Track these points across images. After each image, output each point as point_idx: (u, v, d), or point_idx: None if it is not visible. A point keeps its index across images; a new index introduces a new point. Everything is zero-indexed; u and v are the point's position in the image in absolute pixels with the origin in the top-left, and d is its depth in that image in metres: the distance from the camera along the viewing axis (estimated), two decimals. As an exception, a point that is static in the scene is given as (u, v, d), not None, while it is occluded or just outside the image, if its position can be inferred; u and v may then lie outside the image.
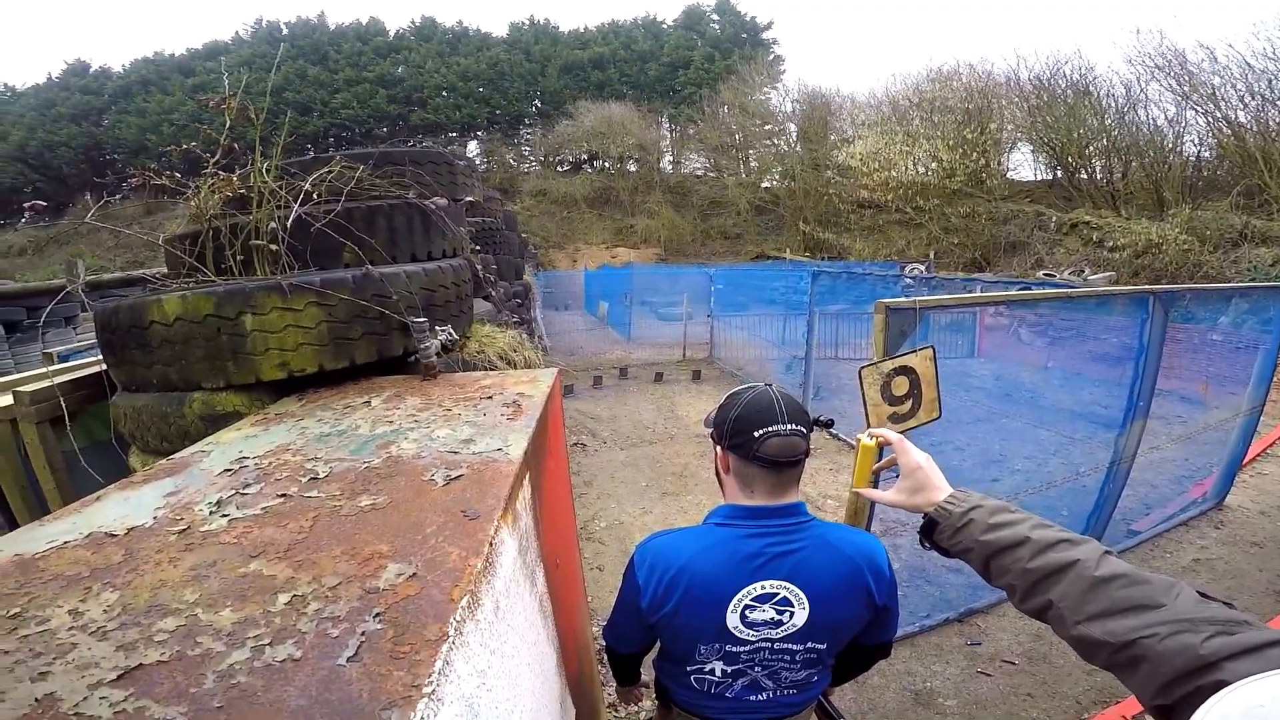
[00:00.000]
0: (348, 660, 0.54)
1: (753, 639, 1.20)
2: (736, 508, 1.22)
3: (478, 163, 28.79)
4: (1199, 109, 14.46)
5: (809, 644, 1.22)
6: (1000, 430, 5.98)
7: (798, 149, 24.38)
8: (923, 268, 11.08)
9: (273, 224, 1.66)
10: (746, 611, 1.18)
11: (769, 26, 32.50)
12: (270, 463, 1.03)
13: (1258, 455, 5.39)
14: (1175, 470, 4.64)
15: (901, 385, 2.16)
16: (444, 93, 29.28)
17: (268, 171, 1.79)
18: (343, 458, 1.01)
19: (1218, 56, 13.75)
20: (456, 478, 0.88)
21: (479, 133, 30.92)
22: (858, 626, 1.26)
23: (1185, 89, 14.48)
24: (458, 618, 0.58)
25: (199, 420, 1.45)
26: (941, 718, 2.50)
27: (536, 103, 30.84)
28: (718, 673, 1.27)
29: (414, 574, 0.66)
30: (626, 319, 11.18)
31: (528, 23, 32.05)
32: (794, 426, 1.16)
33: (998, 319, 9.85)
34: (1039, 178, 20.63)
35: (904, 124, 19.50)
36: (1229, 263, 10.00)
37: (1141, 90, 15.64)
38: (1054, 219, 15.09)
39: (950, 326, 8.36)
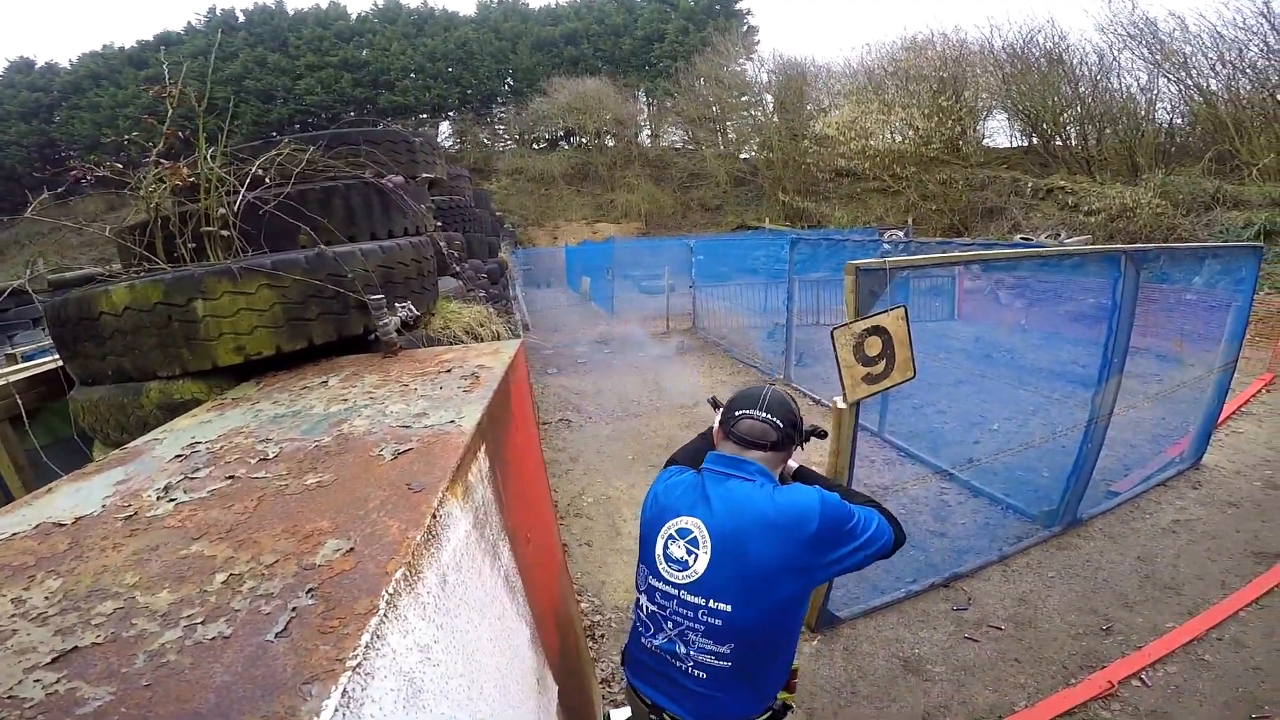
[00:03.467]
0: (276, 636, 0.53)
1: (668, 578, 1.28)
2: (709, 457, 1.38)
3: (450, 144, 28.27)
4: (1170, 77, 14.56)
5: (711, 601, 1.24)
6: (981, 391, 6.03)
7: (775, 119, 24.22)
8: (901, 234, 11.06)
9: (222, 210, 1.62)
10: (669, 544, 1.30)
11: (742, -3, 31.83)
12: (222, 446, 1.00)
13: (1232, 414, 5.46)
14: (1152, 430, 4.71)
15: (874, 346, 2.17)
16: (412, 75, 28.60)
17: (214, 158, 1.73)
18: (294, 438, 0.99)
19: (1189, 25, 13.80)
20: (405, 451, 0.87)
21: (450, 113, 30.29)
22: (782, 582, 1.22)
23: (1157, 57, 14.56)
24: (391, 590, 0.57)
25: (157, 409, 1.42)
26: (931, 685, 2.52)
27: (509, 81, 30.23)
28: (645, 609, 1.35)
29: (351, 549, 0.65)
30: (609, 294, 11.11)
31: (496, 1, 31.24)
32: (768, 416, 1.34)
33: (976, 282, 9.96)
34: (1015, 145, 20.65)
35: (880, 93, 19.38)
36: (1201, 225, 10.15)
37: (1114, 58, 15.74)
38: (1030, 184, 15.15)
39: (930, 291, 8.58)
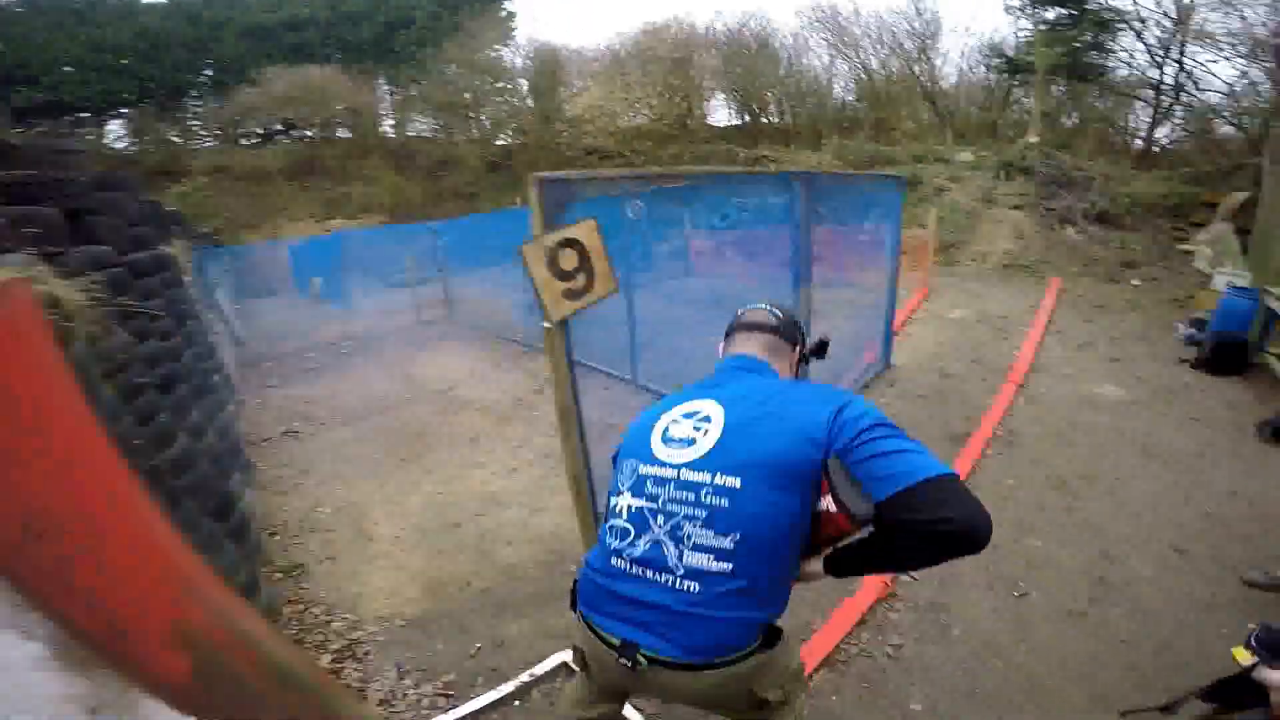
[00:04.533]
0: None
1: (666, 460, 1.16)
2: (718, 365, 1.37)
3: (124, 145, 22.96)
4: (845, 57, 17.51)
5: (717, 476, 1.09)
6: (717, 331, 6.49)
7: (529, 104, 23.96)
8: (641, 204, 11.79)
9: None
10: (671, 426, 1.21)
11: (500, -19, 30.87)
12: None
13: (904, 321, 6.68)
14: (850, 342, 5.45)
15: (570, 259, 1.99)
16: (65, 68, 22.55)
17: None
18: None
19: (861, 11, 16.65)
20: None
21: (123, 110, 24.48)
22: (800, 463, 1.07)
23: (836, 40, 17.39)
24: None
25: None
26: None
27: (208, 72, 25.48)
28: (624, 510, 1.18)
29: None
30: (344, 291, 9.91)
31: (195, -15, 25.87)
32: (769, 309, 1.42)
33: (706, 242, 11.01)
34: (732, 122, 23.20)
35: (624, 75, 20.26)
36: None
37: (805, 41, 18.34)
38: (742, 155, 17.12)
39: (671, 255, 9.38)
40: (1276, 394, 4.49)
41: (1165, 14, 11.59)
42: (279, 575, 2.96)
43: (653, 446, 1.20)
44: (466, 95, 25.98)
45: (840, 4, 21.46)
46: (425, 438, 4.68)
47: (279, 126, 25.64)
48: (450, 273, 9.66)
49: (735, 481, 1.08)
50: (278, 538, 3.34)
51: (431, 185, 23.49)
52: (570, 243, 1.99)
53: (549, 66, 23.73)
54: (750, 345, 1.36)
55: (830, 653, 2.27)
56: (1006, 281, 8.55)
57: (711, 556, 1.07)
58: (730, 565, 1.06)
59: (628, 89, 19.64)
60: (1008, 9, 14.17)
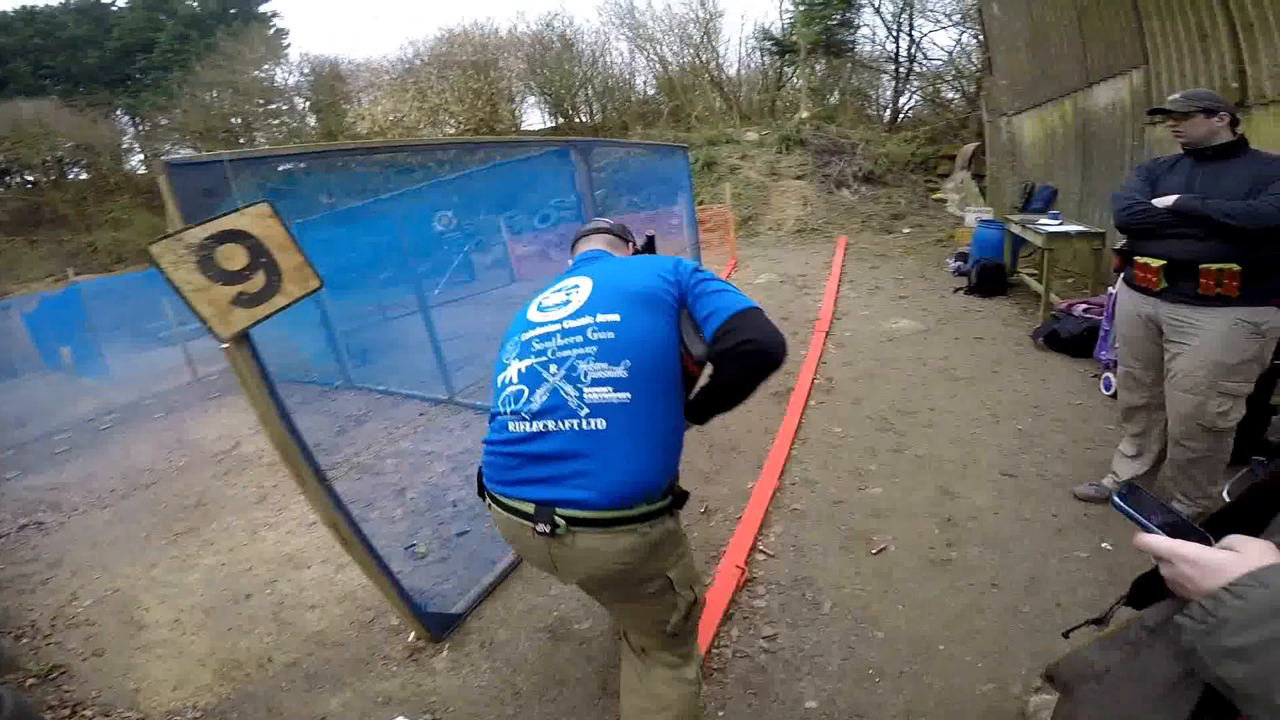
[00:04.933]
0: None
1: (544, 321, 1.27)
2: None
3: None
4: (644, 51, 18.08)
5: (599, 315, 1.21)
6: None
7: (310, 123, 21.96)
8: (450, 214, 11.29)
9: None
10: (543, 303, 1.34)
11: (267, -2, 27.50)
12: None
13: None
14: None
15: (236, 257, 1.57)
16: None
17: None
18: None
19: (655, 7, 17.11)
20: None
21: None
22: (660, 297, 1.23)
23: (634, 35, 17.95)
24: None
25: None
26: (589, 645, 2.18)
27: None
28: (514, 376, 1.24)
29: None
30: (98, 356, 8.17)
31: None
32: (605, 219, 1.72)
33: (528, 247, 10.91)
34: (547, 124, 22.98)
35: (417, 83, 19.14)
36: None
37: (606, 39, 19.02)
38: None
39: (495, 264, 9.39)
40: (1036, 304, 5.12)
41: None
42: (32, 680, 2.56)
43: (530, 318, 1.32)
44: (235, 120, 23.53)
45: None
46: (204, 506, 3.98)
47: (-16, 174, 20.95)
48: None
49: (615, 316, 1.19)
50: (25, 640, 2.86)
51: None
52: (233, 236, 1.57)
53: (327, 82, 22.15)
54: (595, 243, 1.58)
55: (704, 660, 1.99)
56: (801, 244, 9.25)
57: (610, 388, 1.13)
58: (629, 394, 1.13)
59: (423, 97, 18.57)
60: (775, -8, 15.45)
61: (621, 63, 19.22)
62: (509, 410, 1.22)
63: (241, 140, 23.77)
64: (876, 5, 13.76)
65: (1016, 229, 5.52)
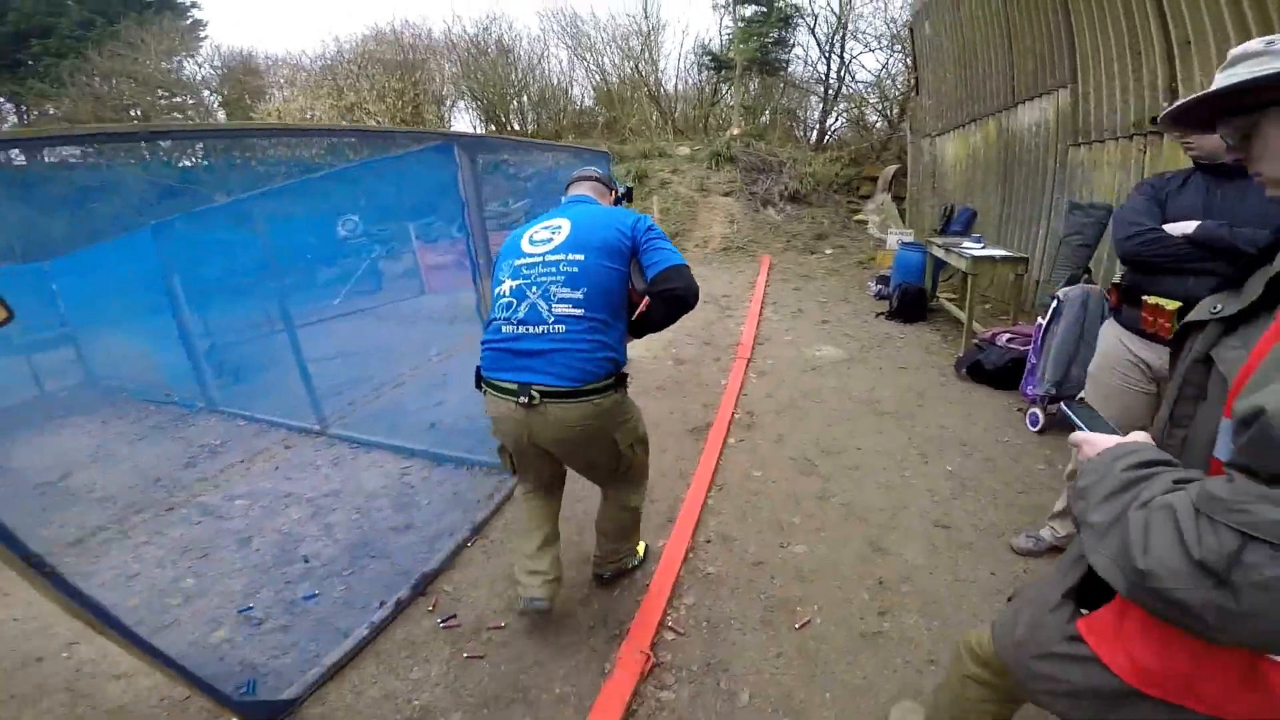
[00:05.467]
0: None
1: (533, 253, 1.75)
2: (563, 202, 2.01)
3: None
4: (583, 61, 17.76)
5: (569, 255, 1.70)
6: (449, 358, 5.71)
7: (220, 117, 20.60)
8: (355, 218, 10.56)
9: None
10: (534, 236, 1.80)
11: (184, -14, 25.58)
12: None
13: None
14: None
15: None
16: None
17: None
18: None
19: (597, 14, 16.71)
20: None
21: None
22: (617, 247, 1.72)
23: (575, 45, 17.57)
24: None
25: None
26: None
27: None
28: (507, 291, 1.74)
29: None
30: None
31: None
32: (594, 169, 2.16)
33: (441, 257, 10.27)
34: (478, 130, 22.26)
35: (335, 80, 18.07)
36: (600, 177, 12.63)
37: (545, 46, 18.65)
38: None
39: (404, 274, 8.75)
40: (957, 331, 5.01)
41: (831, 10, 13.50)
42: None
43: (522, 248, 1.79)
44: (134, 112, 21.70)
45: (578, 7, 21.91)
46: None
47: None
48: (79, 326, 7.30)
49: (581, 256, 1.70)
50: None
51: (79, 216, 18.61)
52: None
53: (237, 75, 20.77)
54: (583, 189, 2.03)
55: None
56: (726, 263, 9.04)
57: (570, 305, 1.66)
58: (583, 310, 1.66)
59: (339, 95, 17.55)
60: (715, 6, 15.55)
61: (559, 71, 18.95)
62: (501, 317, 1.72)
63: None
64: (811, 25, 13.93)
65: (939, 252, 5.41)
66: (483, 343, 1.78)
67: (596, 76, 17.73)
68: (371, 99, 17.30)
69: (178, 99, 21.92)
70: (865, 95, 13.54)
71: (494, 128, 20.18)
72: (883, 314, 5.95)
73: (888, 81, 12.94)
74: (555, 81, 18.78)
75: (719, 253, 9.47)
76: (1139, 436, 0.80)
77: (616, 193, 2.15)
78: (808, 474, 3.19)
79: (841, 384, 4.36)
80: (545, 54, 19.01)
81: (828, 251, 9.11)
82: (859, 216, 10.29)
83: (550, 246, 1.71)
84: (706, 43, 16.73)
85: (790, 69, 15.13)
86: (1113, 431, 0.85)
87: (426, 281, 8.44)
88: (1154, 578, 0.60)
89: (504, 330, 1.69)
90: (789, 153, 11.73)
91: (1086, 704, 0.83)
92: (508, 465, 1.97)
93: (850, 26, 13.32)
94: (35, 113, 22.02)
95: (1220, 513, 0.57)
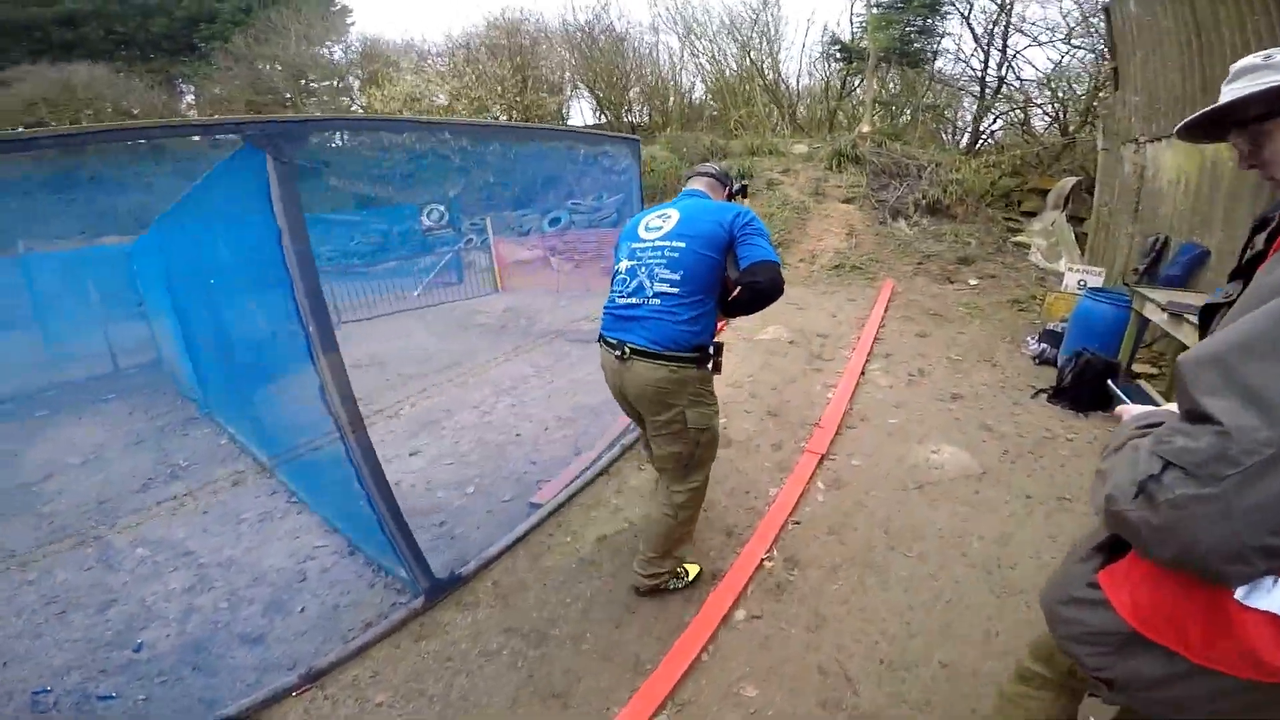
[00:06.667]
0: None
1: (647, 238, 2.04)
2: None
3: None
4: (694, 51, 16.56)
5: (673, 241, 1.96)
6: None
7: (362, 103, 21.61)
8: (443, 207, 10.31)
9: None
10: (649, 222, 2.09)
11: (334, -27, 27.95)
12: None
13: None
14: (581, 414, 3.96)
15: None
16: None
17: None
18: None
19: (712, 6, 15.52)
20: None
21: None
22: (715, 238, 1.92)
23: (687, 33, 16.43)
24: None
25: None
26: None
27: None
28: (624, 269, 2.06)
29: None
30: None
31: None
32: (713, 164, 2.41)
33: (534, 251, 9.75)
34: (594, 121, 21.64)
35: (466, 67, 18.14)
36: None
37: (656, 35, 19.03)
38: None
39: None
40: None
41: (991, -1, 11.14)
42: None
43: (639, 233, 2.08)
44: (288, 95, 23.23)
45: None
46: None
47: (20, 130, 21.23)
48: (148, 308, 7.14)
49: (682, 244, 1.94)
50: None
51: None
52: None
53: (373, 63, 21.36)
54: (698, 183, 2.26)
55: None
56: (835, 286, 7.32)
57: (669, 285, 1.93)
58: (678, 289, 1.92)
59: (443, 79, 17.68)
60: (846, -7, 13.49)
61: (667, 62, 17.83)
62: (618, 289, 2.08)
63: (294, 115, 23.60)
64: (965, 13, 11.57)
65: (1156, 314, 3.60)
66: (604, 308, 2.12)
67: (707, 66, 16.43)
68: (488, 91, 17.10)
69: (326, 82, 23.41)
70: (1032, 95, 11.07)
71: (614, 118, 19.45)
72: (1045, 391, 4.12)
73: (1060, 83, 10.45)
74: (665, 72, 17.77)
75: (828, 271, 7.77)
76: (1170, 407, 0.86)
77: (731, 188, 2.36)
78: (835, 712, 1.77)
79: (959, 525, 2.74)
80: (657, 43, 18.11)
81: (971, 282, 7.15)
82: (1019, 238, 8.14)
83: (660, 234, 2.00)
84: (836, 31, 14.78)
85: (937, 63, 12.86)
86: (1151, 404, 1.03)
87: (500, 281, 7.59)
88: (1112, 500, 0.76)
89: (618, 300, 2.05)
90: (930, 155, 9.72)
91: (1100, 649, 0.89)
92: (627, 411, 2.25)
93: (1014, 16, 10.92)
94: (207, 94, 24.36)
95: (1156, 444, 0.73)
